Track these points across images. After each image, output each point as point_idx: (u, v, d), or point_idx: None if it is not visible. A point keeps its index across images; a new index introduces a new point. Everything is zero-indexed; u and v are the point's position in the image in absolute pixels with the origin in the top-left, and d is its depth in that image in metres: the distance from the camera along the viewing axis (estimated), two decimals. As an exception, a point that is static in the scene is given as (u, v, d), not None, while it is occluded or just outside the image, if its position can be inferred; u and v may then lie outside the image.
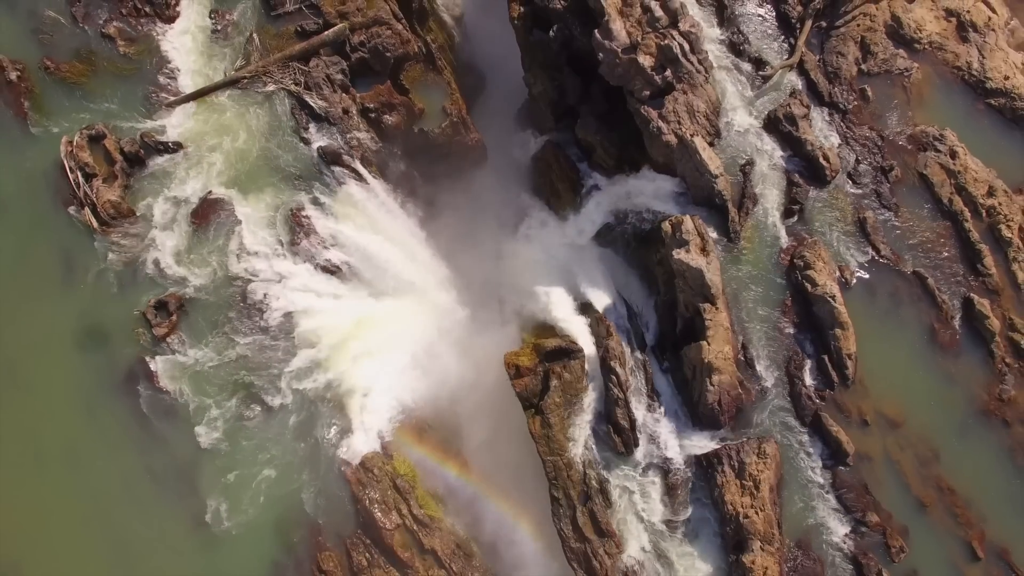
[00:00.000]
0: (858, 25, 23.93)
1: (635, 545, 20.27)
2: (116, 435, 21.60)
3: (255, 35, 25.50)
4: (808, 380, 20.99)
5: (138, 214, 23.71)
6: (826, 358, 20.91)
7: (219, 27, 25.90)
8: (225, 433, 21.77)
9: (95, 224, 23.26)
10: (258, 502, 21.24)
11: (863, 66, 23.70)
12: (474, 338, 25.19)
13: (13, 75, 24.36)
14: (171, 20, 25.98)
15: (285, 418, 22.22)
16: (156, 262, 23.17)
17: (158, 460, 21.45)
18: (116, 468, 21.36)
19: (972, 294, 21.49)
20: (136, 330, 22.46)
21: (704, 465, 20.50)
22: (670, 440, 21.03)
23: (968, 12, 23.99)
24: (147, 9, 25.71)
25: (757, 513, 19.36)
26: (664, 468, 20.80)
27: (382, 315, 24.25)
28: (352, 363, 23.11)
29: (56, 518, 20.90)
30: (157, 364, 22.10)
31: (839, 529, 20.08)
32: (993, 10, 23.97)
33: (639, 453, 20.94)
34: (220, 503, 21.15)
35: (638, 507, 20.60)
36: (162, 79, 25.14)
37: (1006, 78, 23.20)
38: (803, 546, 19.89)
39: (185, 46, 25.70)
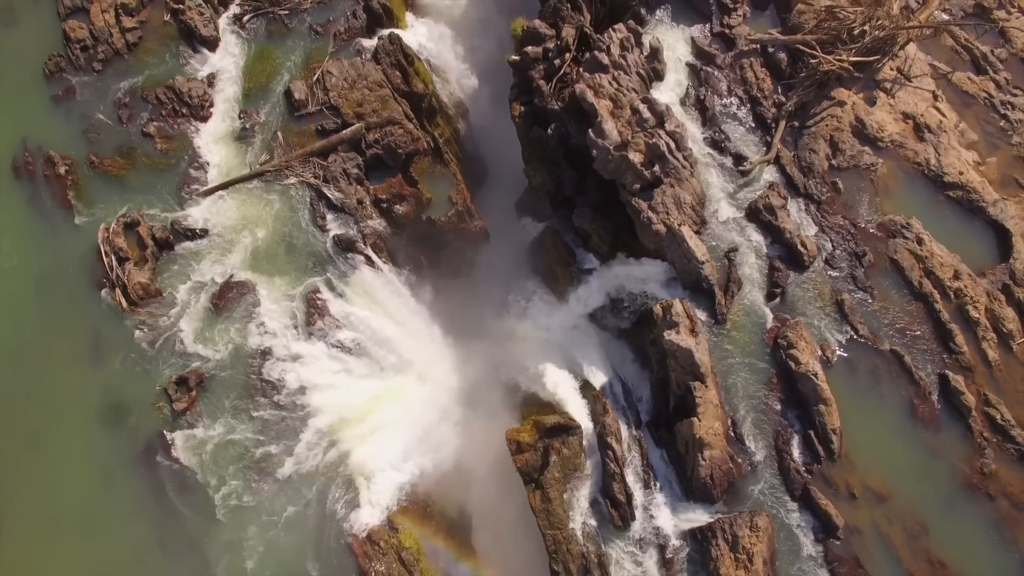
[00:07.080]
0: (826, 125, 26.21)
1: (634, 620, 20.55)
2: (132, 506, 22.25)
3: (279, 133, 27.88)
4: (796, 454, 21.68)
5: (164, 295, 25.31)
6: (812, 433, 21.67)
7: (247, 125, 28.38)
8: (237, 506, 22.40)
9: (124, 304, 24.83)
10: (266, 574, 21.71)
11: (833, 161, 25.72)
12: (477, 414, 26.04)
13: (62, 169, 26.79)
14: (204, 119, 28.53)
15: (295, 491, 22.87)
16: (179, 340, 24.51)
17: (171, 532, 21.99)
18: (129, 539, 21.89)
19: (947, 371, 22.48)
20: (157, 404, 23.57)
21: (699, 538, 20.94)
22: (665, 514, 21.54)
23: (922, 115, 26.37)
24: (184, 110, 28.35)
25: (752, 586, 19.75)
26: (660, 541, 21.26)
27: (390, 392, 25.29)
28: (361, 438, 23.97)
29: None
30: (175, 438, 23.06)
31: (834, 604, 20.34)
32: (943, 114, 26.37)
33: (636, 527, 21.44)
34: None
35: (636, 581, 20.99)
36: (194, 172, 27.38)
37: (960, 173, 25.25)
38: (799, 621, 20.12)
39: (216, 142, 28.10)
